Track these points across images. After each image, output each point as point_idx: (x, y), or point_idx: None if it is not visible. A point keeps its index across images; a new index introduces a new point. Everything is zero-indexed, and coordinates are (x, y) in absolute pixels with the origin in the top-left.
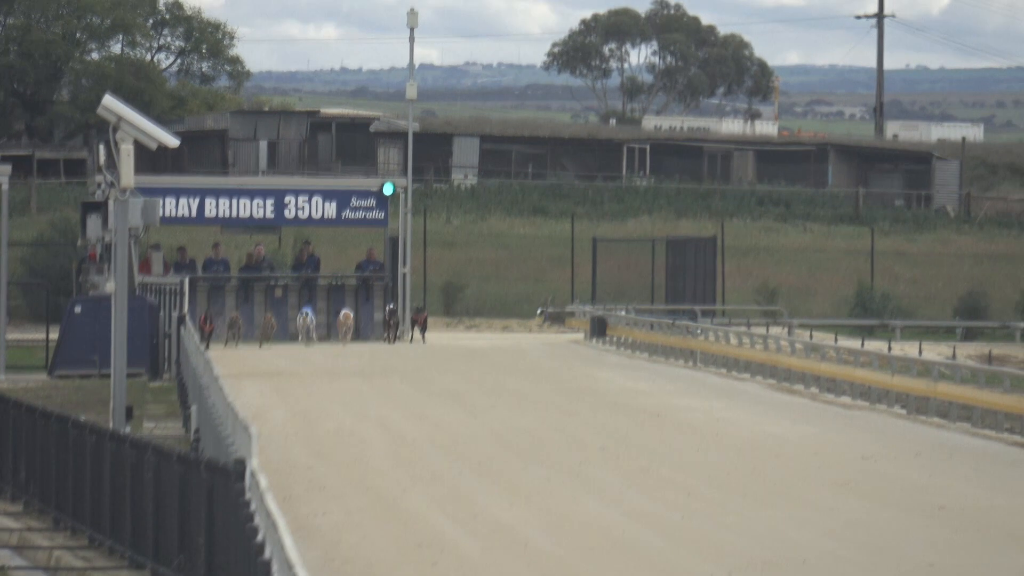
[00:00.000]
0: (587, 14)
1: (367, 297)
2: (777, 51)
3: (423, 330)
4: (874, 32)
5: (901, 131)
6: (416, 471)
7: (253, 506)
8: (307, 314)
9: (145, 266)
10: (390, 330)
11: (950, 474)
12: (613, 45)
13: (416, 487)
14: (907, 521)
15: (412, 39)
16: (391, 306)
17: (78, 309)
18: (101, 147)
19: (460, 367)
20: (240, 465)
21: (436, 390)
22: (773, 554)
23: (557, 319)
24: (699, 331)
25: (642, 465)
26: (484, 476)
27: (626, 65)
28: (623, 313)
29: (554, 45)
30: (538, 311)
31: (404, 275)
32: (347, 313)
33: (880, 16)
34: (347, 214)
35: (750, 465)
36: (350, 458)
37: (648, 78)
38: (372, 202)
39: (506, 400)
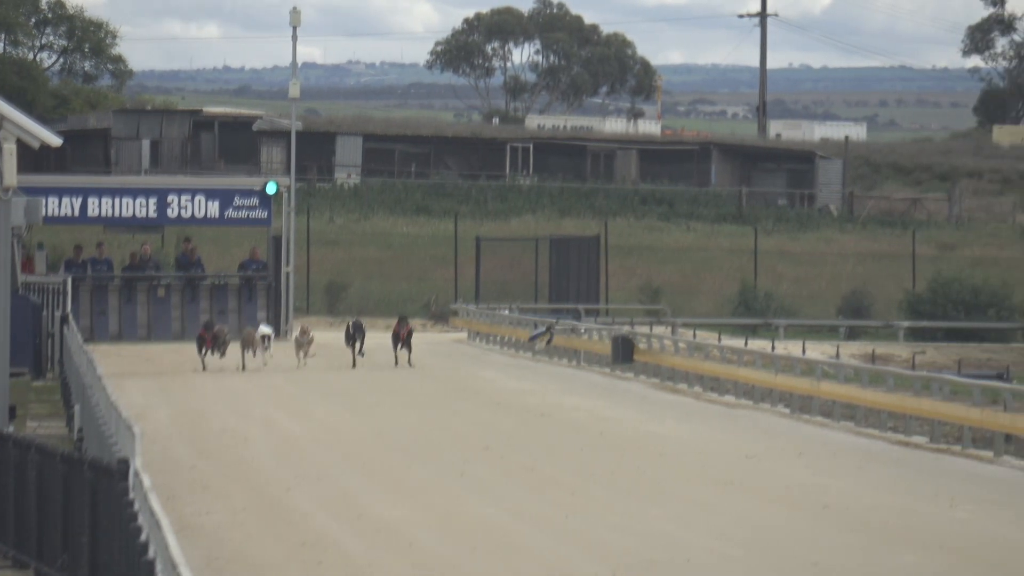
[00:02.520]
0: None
1: (250, 297)
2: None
3: (408, 347)
4: (757, 31)
5: (784, 130)
6: (300, 470)
7: (137, 505)
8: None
9: (28, 265)
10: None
11: (834, 473)
12: (496, 44)
13: (300, 486)
14: (791, 520)
15: (295, 38)
16: (355, 320)
17: None
18: None
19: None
20: (124, 464)
21: (321, 389)
22: (658, 553)
23: (441, 318)
24: (583, 330)
25: (527, 464)
26: (369, 475)
27: (509, 64)
28: (506, 312)
29: (437, 44)
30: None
31: (287, 274)
32: (305, 328)
33: (763, 15)
34: (230, 213)
35: (634, 464)
36: (234, 457)
37: (531, 77)
38: (255, 201)
39: (391, 399)
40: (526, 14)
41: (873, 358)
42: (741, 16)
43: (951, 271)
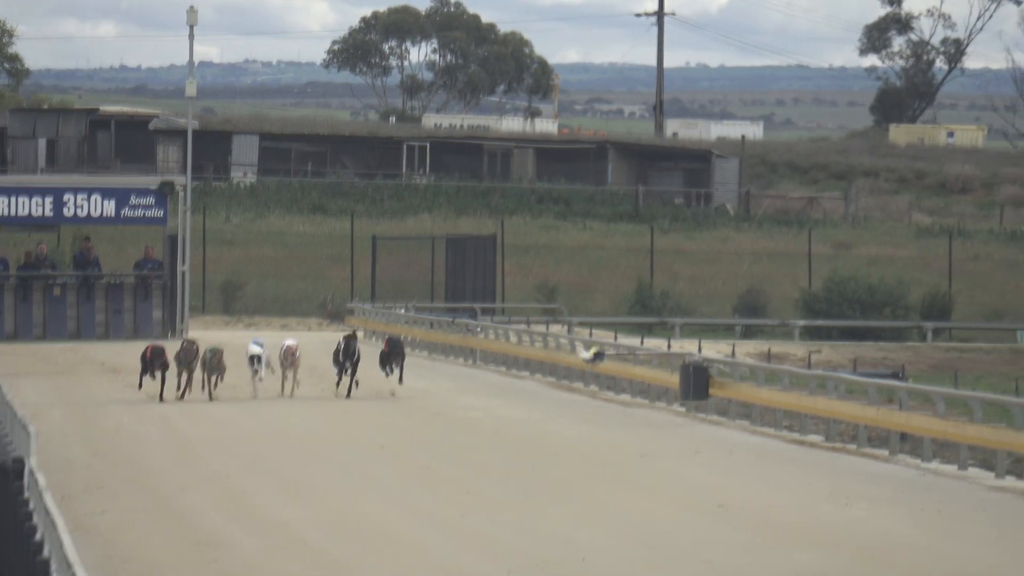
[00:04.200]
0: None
1: (146, 296)
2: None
3: (400, 367)
4: (654, 30)
5: (681, 129)
6: (194, 470)
7: (32, 505)
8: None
9: None
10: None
11: (729, 472)
12: (393, 43)
13: (194, 486)
14: (686, 518)
15: (192, 36)
16: (346, 335)
17: None
18: None
19: (232, 366)
20: (19, 464)
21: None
22: (553, 552)
23: (337, 317)
24: (479, 329)
25: (422, 463)
26: (263, 474)
27: (406, 63)
28: (402, 312)
29: (334, 43)
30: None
31: (183, 273)
32: (291, 346)
33: (660, 14)
34: (126, 212)
35: (530, 463)
36: (128, 457)
37: (428, 76)
38: (151, 200)
39: (285, 399)
40: (423, 13)
41: (769, 357)
42: (638, 15)
43: (847, 270)
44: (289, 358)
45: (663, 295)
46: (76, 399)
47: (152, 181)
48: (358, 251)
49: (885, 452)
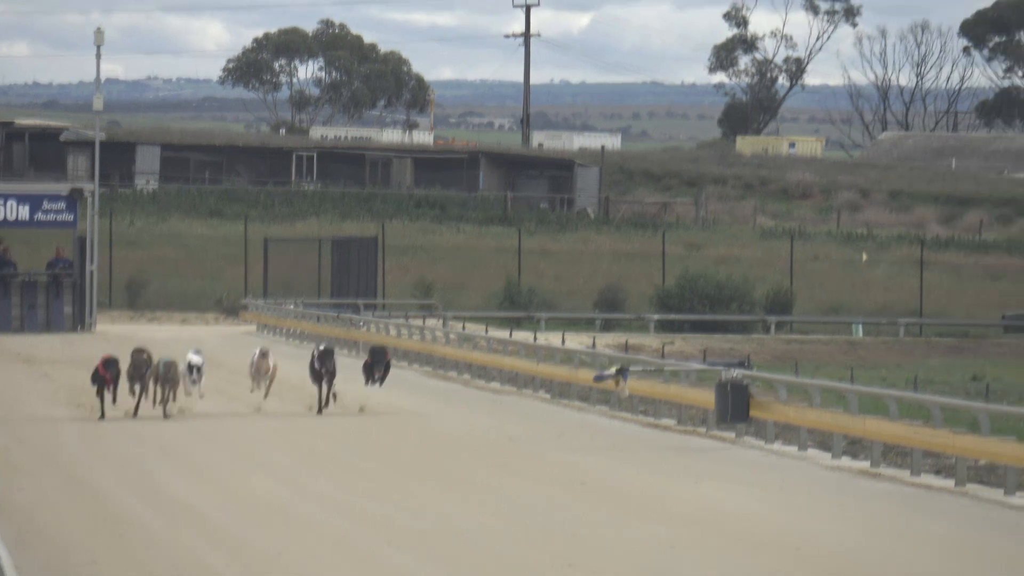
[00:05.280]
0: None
1: (57, 293)
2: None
3: (383, 377)
4: (521, 50)
5: (546, 140)
6: (104, 452)
7: None
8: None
9: None
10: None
11: (589, 453)
12: (283, 61)
13: (105, 468)
14: (551, 496)
15: (99, 55)
16: (322, 347)
17: None
18: None
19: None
20: None
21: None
22: (428, 525)
23: (232, 312)
24: (361, 323)
25: (311, 447)
26: (167, 457)
27: (295, 79)
28: (292, 307)
29: (229, 61)
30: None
31: (91, 272)
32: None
33: (527, 35)
34: (39, 216)
35: (408, 446)
36: (43, 440)
37: (315, 91)
38: (62, 205)
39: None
40: (310, 34)
41: (626, 348)
42: (507, 36)
43: (697, 269)
44: (263, 369)
45: (530, 291)
46: None
47: (63, 188)
48: (251, 252)
49: (732, 435)
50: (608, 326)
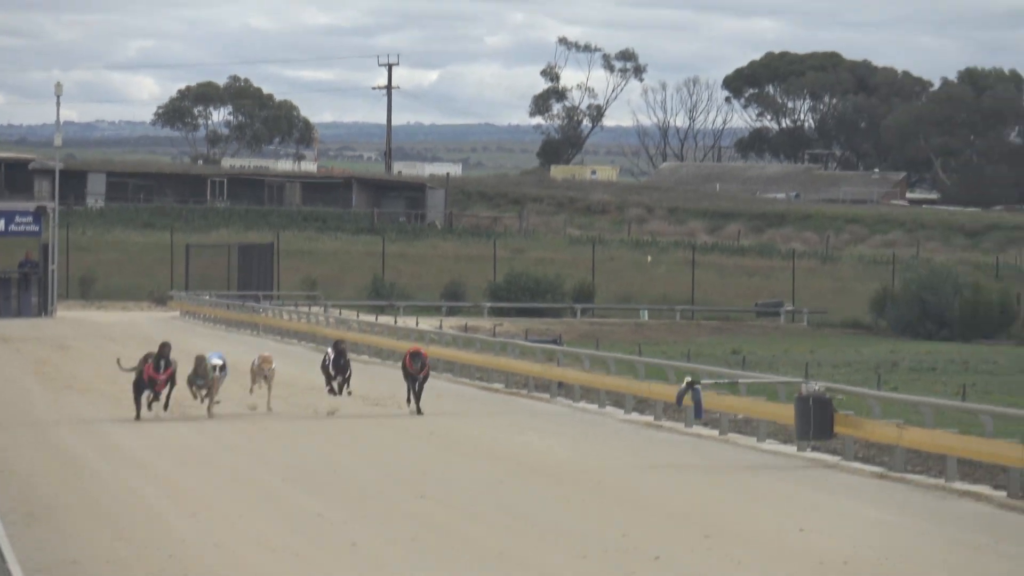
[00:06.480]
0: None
1: (26, 287)
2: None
3: (420, 391)
4: (385, 99)
5: (404, 168)
6: (63, 413)
7: None
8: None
9: None
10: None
11: (438, 410)
12: (201, 108)
13: (64, 426)
14: (406, 442)
15: (58, 103)
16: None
17: None
18: None
19: (89, 336)
20: None
21: (73, 354)
22: (313, 465)
23: (161, 302)
24: (260, 309)
25: (222, 406)
26: (122, 421)
27: (210, 122)
28: (207, 298)
29: (159, 108)
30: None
31: (53, 271)
32: (266, 357)
33: (389, 88)
34: (12, 228)
35: (296, 402)
36: (14, 401)
37: (226, 131)
38: (30, 219)
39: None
40: (222, 86)
41: (466, 328)
42: (374, 88)
43: (521, 267)
44: (265, 369)
45: (391, 286)
46: None
47: (31, 206)
48: (176, 255)
49: (547, 396)
50: (451, 312)
